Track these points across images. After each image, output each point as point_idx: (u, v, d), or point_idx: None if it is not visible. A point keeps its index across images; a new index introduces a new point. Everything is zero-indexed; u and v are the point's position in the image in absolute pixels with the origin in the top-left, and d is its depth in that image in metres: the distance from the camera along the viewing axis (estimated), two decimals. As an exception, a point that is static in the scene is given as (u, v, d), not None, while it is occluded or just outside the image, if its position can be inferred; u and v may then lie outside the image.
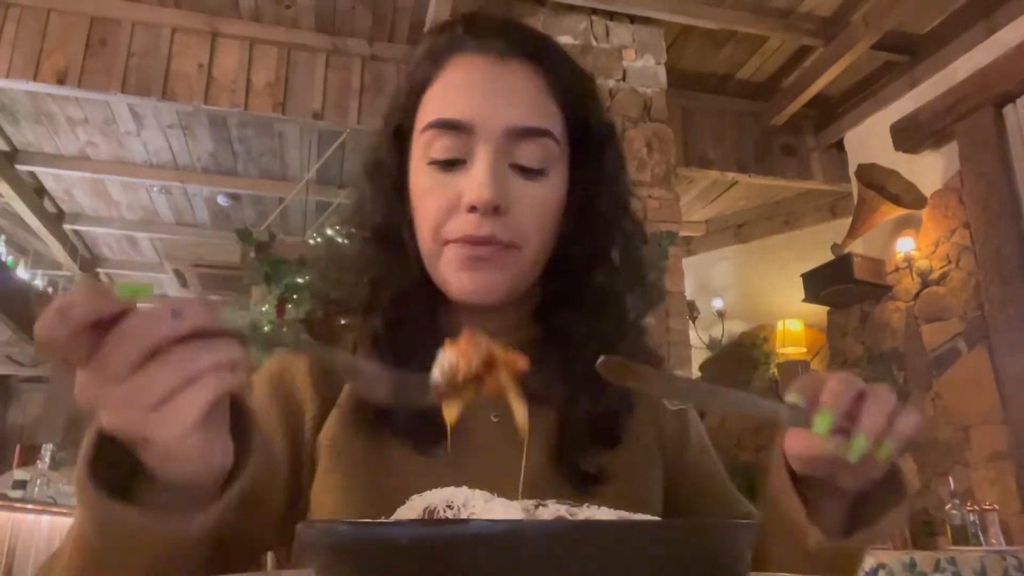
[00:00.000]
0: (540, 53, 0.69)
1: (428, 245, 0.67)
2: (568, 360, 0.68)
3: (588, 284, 0.70)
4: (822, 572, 0.57)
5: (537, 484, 0.62)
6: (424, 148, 0.67)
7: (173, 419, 0.40)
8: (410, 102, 0.70)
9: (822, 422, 0.50)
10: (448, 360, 0.48)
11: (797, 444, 0.57)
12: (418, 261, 0.69)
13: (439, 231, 0.66)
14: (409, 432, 0.63)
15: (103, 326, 0.39)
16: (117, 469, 0.44)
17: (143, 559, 0.45)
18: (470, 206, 0.63)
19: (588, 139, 0.71)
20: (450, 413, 0.50)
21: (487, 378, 0.49)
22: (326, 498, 0.63)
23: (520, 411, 0.50)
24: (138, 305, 0.40)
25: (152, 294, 0.41)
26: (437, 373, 0.48)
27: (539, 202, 0.66)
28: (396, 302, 0.68)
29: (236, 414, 0.47)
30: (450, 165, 0.65)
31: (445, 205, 0.65)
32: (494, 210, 0.63)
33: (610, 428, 0.69)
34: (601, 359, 0.46)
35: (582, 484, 0.65)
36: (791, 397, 0.53)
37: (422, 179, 0.67)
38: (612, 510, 0.38)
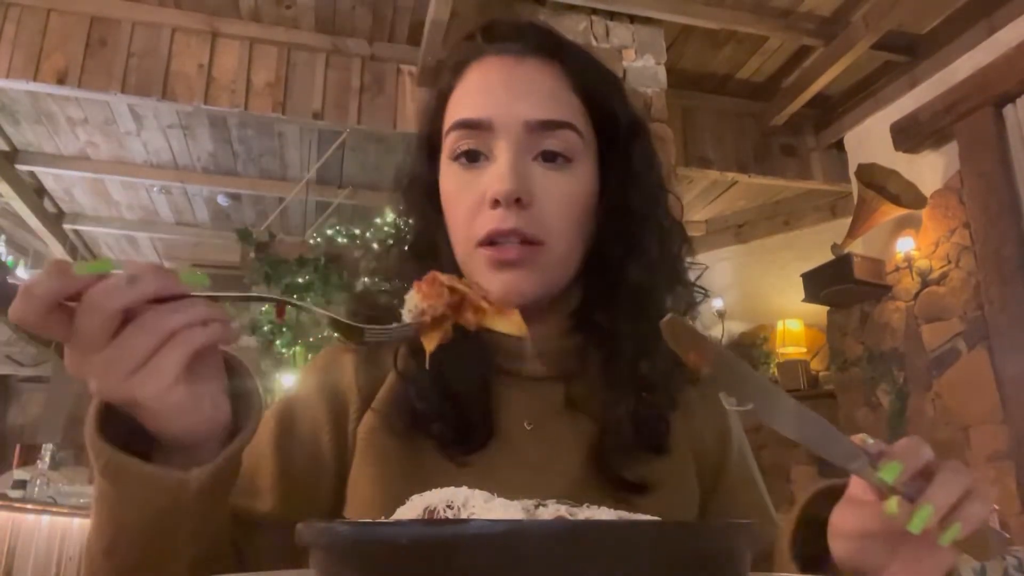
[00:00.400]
0: (558, 51, 0.70)
1: (462, 250, 0.68)
2: (608, 363, 0.68)
3: (623, 283, 0.69)
4: None
5: (576, 493, 0.59)
6: (449, 151, 0.68)
7: (151, 379, 0.43)
8: (436, 114, 0.72)
9: (891, 470, 0.45)
10: (413, 303, 0.52)
11: (850, 518, 0.51)
12: (455, 270, 0.68)
13: (469, 232, 0.66)
14: (443, 440, 0.64)
15: (77, 302, 0.42)
16: (136, 442, 0.48)
17: (150, 511, 0.48)
18: (493, 200, 0.63)
19: (616, 135, 0.71)
20: (429, 343, 0.53)
21: (460, 315, 0.53)
22: (362, 490, 0.65)
23: (506, 324, 0.54)
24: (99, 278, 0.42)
25: (113, 268, 0.43)
26: (407, 316, 0.52)
27: (564, 192, 0.66)
28: None
29: (238, 377, 0.51)
30: (473, 161, 0.66)
31: (472, 204, 0.66)
32: (516, 202, 0.63)
33: (656, 433, 0.67)
34: (666, 318, 0.45)
35: (623, 493, 0.64)
36: (856, 439, 0.48)
37: (449, 182, 0.68)
38: (612, 510, 0.38)
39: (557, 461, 0.66)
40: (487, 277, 0.65)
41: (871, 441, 0.48)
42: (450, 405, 0.65)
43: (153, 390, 0.44)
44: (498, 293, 0.63)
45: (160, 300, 0.44)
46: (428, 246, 0.72)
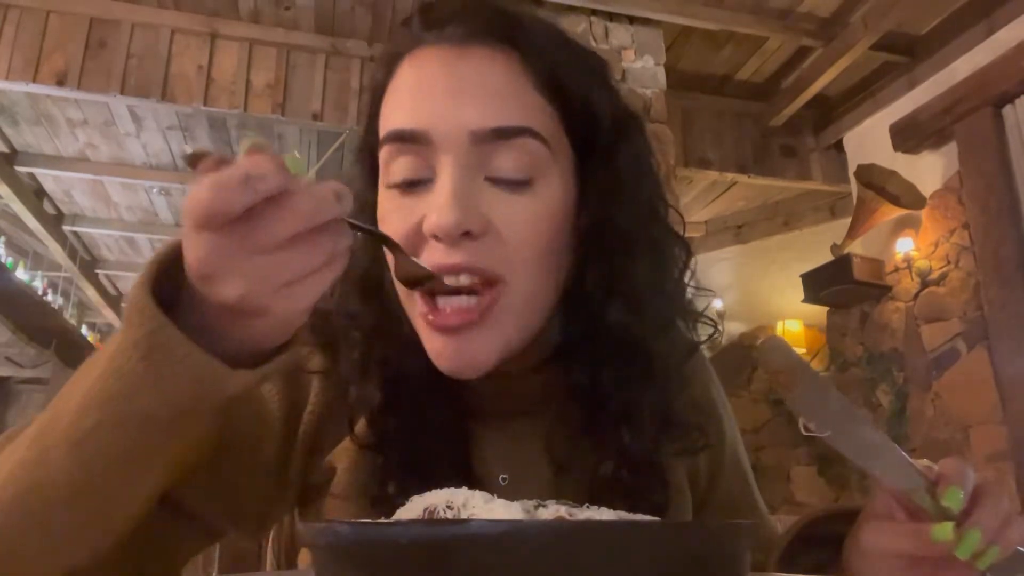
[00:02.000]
0: (514, 34, 0.55)
1: (400, 291, 0.56)
2: (591, 420, 0.58)
3: (603, 323, 0.57)
4: None
5: None
6: (384, 169, 0.56)
7: (304, 294, 0.40)
8: (371, 116, 0.60)
9: (954, 498, 0.45)
10: None
11: (885, 538, 0.49)
12: (404, 314, 0.58)
13: None
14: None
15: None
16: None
17: (168, 396, 0.41)
18: (432, 235, 0.52)
19: (595, 134, 0.58)
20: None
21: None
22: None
23: None
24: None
25: (304, 166, 0.41)
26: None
27: (528, 218, 0.53)
28: (391, 366, 0.59)
29: None
30: (411, 186, 0.54)
31: (410, 234, 0.53)
32: (465, 235, 0.51)
33: (647, 502, 0.58)
34: (767, 338, 0.43)
35: None
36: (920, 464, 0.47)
37: (384, 205, 0.56)
38: (612, 510, 0.38)
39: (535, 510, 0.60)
40: (430, 342, 0.54)
41: (933, 466, 0.48)
42: (422, 477, 0.54)
43: (302, 305, 0.41)
44: (447, 367, 0.54)
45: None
46: (375, 278, 0.61)
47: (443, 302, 0.53)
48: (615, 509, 0.55)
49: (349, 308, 0.61)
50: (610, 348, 0.57)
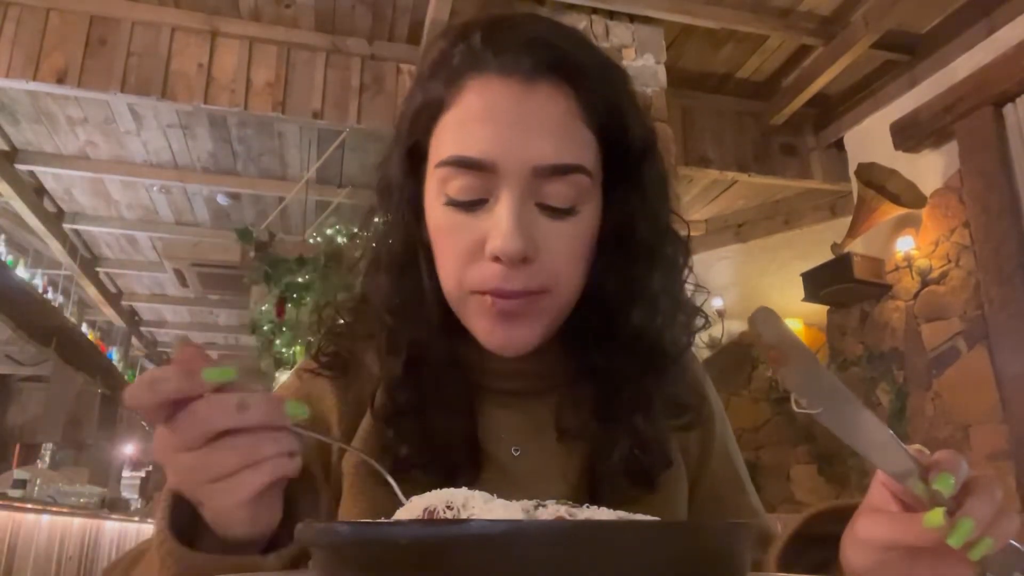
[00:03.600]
0: (572, 71, 0.59)
1: (452, 290, 0.61)
2: (603, 400, 0.64)
3: (623, 321, 0.63)
4: None
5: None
6: (440, 184, 0.59)
7: (228, 494, 0.45)
8: (425, 123, 0.62)
9: (945, 482, 0.45)
10: None
11: (879, 528, 0.49)
12: (436, 296, 0.63)
13: (462, 277, 0.59)
14: (429, 485, 0.60)
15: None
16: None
17: None
18: (494, 256, 0.57)
19: (625, 157, 0.63)
20: None
21: None
22: (352, 518, 0.62)
23: None
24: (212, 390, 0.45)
25: (234, 377, 0.46)
26: None
27: (570, 242, 0.59)
28: (416, 345, 0.64)
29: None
30: (470, 206, 0.58)
31: (467, 249, 0.58)
32: (522, 260, 0.57)
33: (646, 471, 0.64)
34: (759, 309, 0.45)
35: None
36: (912, 449, 0.47)
37: (440, 217, 0.60)
38: (612, 510, 0.38)
39: (550, 479, 0.64)
40: (484, 325, 0.60)
41: (925, 451, 0.48)
42: (434, 448, 0.61)
43: (225, 503, 0.45)
44: (497, 343, 0.60)
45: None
46: (409, 263, 0.65)
47: (506, 300, 0.59)
48: (618, 486, 0.61)
49: (382, 288, 0.66)
50: (627, 342, 0.63)
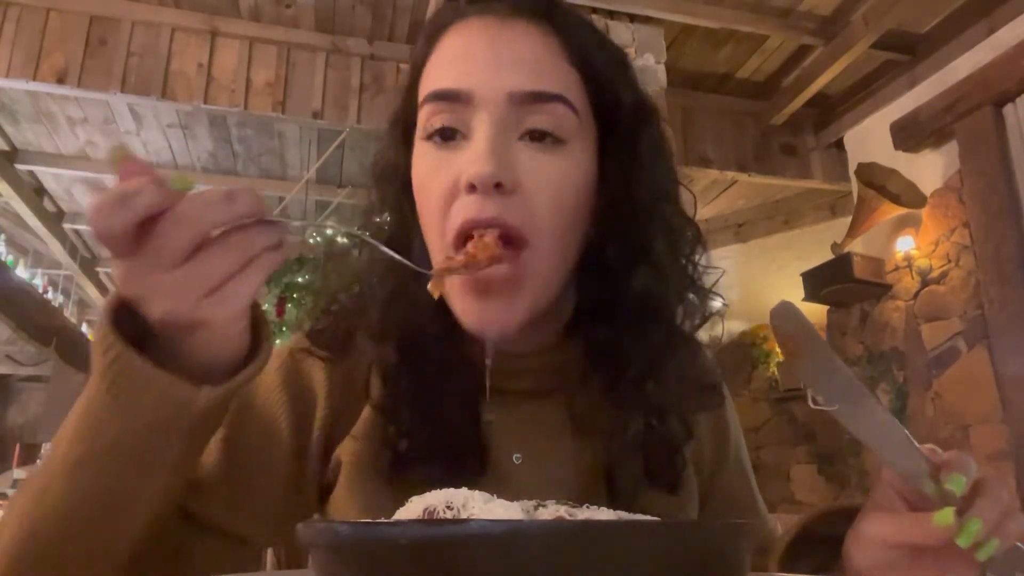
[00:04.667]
0: (551, 11, 0.59)
1: (435, 245, 0.58)
2: (613, 381, 0.60)
3: (627, 290, 0.59)
4: None
5: None
6: (421, 127, 0.59)
7: (231, 300, 0.41)
8: (410, 88, 0.63)
9: (957, 483, 0.45)
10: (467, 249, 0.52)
11: (885, 527, 0.48)
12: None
13: (443, 225, 0.56)
14: (430, 482, 0.55)
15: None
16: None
17: (145, 421, 0.43)
18: (468, 184, 0.54)
19: (618, 118, 0.61)
20: (435, 290, 0.52)
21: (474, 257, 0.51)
22: (349, 516, 0.60)
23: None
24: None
25: (194, 185, 0.41)
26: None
27: (555, 177, 0.56)
28: (409, 329, 0.61)
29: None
30: (449, 139, 0.57)
31: (446, 190, 0.56)
32: (497, 187, 0.54)
33: (670, 471, 0.61)
34: (780, 302, 0.44)
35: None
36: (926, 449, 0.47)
37: (422, 164, 0.59)
38: (611, 510, 0.38)
39: (558, 484, 0.61)
40: (462, 301, 0.56)
41: (937, 449, 0.48)
42: (435, 443, 0.58)
43: (231, 312, 0.42)
44: (476, 324, 0.56)
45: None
46: (403, 241, 0.63)
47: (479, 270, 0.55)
48: (634, 475, 0.58)
49: (373, 271, 0.64)
50: (633, 312, 0.60)
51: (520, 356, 0.61)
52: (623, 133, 0.61)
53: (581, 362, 0.63)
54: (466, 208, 0.54)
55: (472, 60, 0.57)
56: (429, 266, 0.56)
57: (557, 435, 0.62)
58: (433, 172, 0.57)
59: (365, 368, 0.63)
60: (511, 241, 0.55)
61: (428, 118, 0.58)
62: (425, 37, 0.62)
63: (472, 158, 0.54)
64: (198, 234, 0.39)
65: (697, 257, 0.66)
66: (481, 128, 0.55)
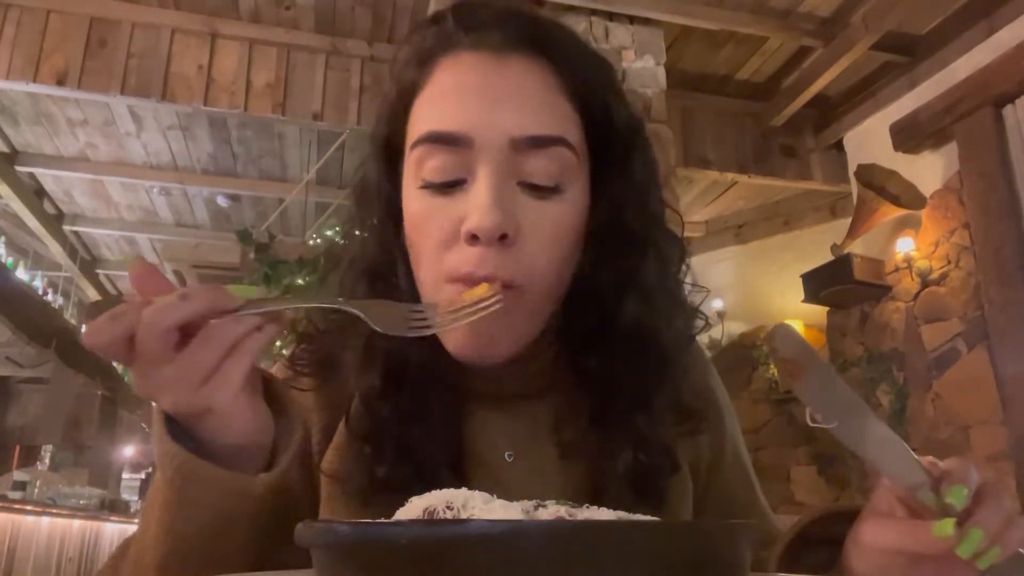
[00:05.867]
0: (547, 44, 0.58)
1: (427, 280, 0.57)
2: (602, 408, 0.60)
3: (617, 316, 0.59)
4: None
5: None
6: (415, 168, 0.57)
7: (222, 386, 0.46)
8: (398, 112, 0.60)
9: (958, 495, 0.45)
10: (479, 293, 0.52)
11: (885, 534, 0.48)
12: (415, 297, 0.59)
13: (438, 267, 0.55)
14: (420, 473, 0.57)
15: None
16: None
17: (213, 515, 0.49)
18: (470, 235, 0.53)
19: (611, 140, 0.60)
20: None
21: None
22: None
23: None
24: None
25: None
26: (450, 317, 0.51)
27: (553, 225, 0.56)
28: (393, 354, 0.59)
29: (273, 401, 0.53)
30: (447, 187, 0.55)
31: (444, 235, 0.55)
32: (500, 239, 0.53)
33: (654, 487, 0.60)
34: (778, 324, 0.45)
35: None
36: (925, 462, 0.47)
37: (415, 205, 0.57)
38: (611, 511, 0.38)
39: (545, 485, 0.60)
40: (454, 332, 0.56)
41: (938, 463, 0.48)
42: (414, 467, 0.57)
43: (226, 396, 0.46)
44: (461, 348, 0.56)
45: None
46: (384, 267, 0.62)
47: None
48: (622, 498, 0.57)
49: (355, 292, 0.62)
50: (623, 339, 0.59)
51: (512, 385, 0.63)
52: (615, 158, 0.61)
53: (570, 391, 0.62)
54: (466, 260, 0.54)
55: (470, 100, 0.55)
56: (416, 296, 0.59)
57: (543, 437, 0.62)
58: (431, 215, 0.56)
59: (349, 387, 0.63)
60: (507, 286, 0.54)
61: (422, 161, 0.56)
62: (415, 60, 0.60)
63: (476, 208, 0.53)
64: (163, 334, 0.44)
65: (682, 275, 0.66)
66: (483, 176, 0.54)
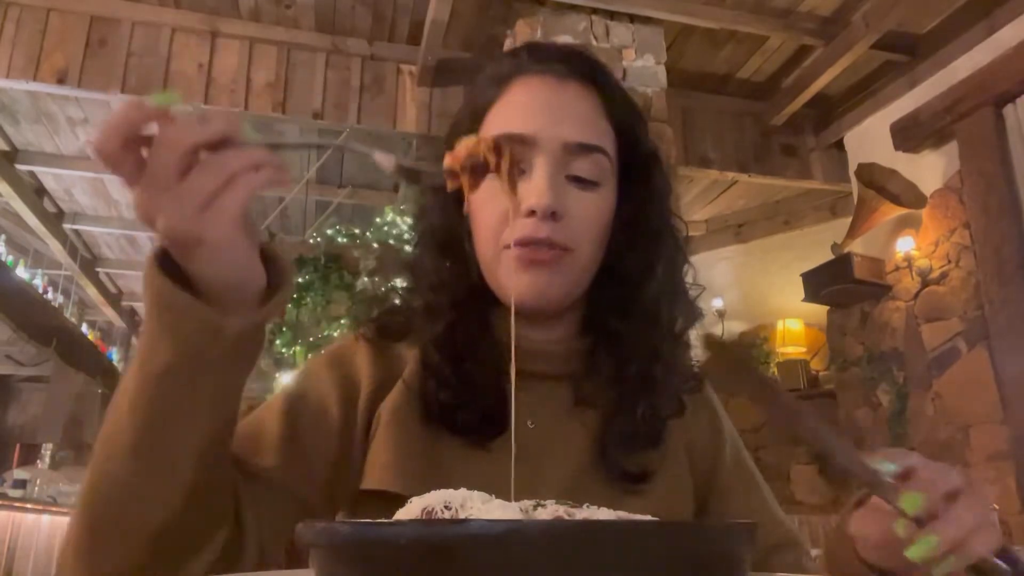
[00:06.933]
0: (598, 78, 0.75)
1: (487, 251, 0.72)
2: (619, 366, 0.73)
3: (637, 294, 0.74)
4: None
5: (577, 482, 0.68)
6: None
7: (218, 217, 0.47)
8: (473, 122, 0.75)
9: (911, 502, 0.46)
10: (461, 144, 0.59)
11: (869, 526, 0.54)
12: (476, 268, 0.74)
13: (498, 237, 0.70)
14: (462, 428, 0.69)
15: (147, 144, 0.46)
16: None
17: (185, 349, 0.50)
18: (530, 211, 0.67)
19: (636, 161, 0.76)
20: (470, 188, 0.60)
21: (494, 164, 0.60)
22: (382, 456, 0.68)
23: (512, 196, 0.60)
24: (173, 117, 0.46)
25: (180, 100, 0.47)
26: (447, 157, 0.59)
27: (592, 211, 0.71)
28: (455, 306, 0.73)
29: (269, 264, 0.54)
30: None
31: (504, 212, 0.69)
32: (551, 215, 0.68)
33: (654, 429, 0.72)
34: (706, 332, 0.51)
35: (624, 483, 0.69)
36: (882, 464, 0.49)
37: (484, 189, 0.69)
38: (611, 510, 0.38)
39: (560, 454, 0.70)
40: (514, 276, 0.69)
41: (891, 467, 0.49)
42: (469, 396, 0.69)
43: (221, 227, 0.47)
44: (522, 291, 0.68)
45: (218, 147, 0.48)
46: (450, 241, 0.76)
47: (535, 249, 0.69)
48: (633, 446, 0.68)
49: (427, 261, 0.77)
50: (641, 314, 0.74)
51: (540, 341, 0.73)
52: (639, 175, 0.77)
53: (588, 356, 0.75)
54: (524, 227, 0.68)
55: (536, 110, 0.71)
56: (477, 265, 0.74)
57: (565, 411, 0.74)
58: (492, 197, 0.69)
59: (406, 356, 0.75)
60: (560, 248, 0.69)
61: None
62: (490, 82, 0.76)
63: (535, 191, 0.68)
64: (179, 154, 0.45)
65: (686, 275, 0.80)
66: (541, 167, 0.69)
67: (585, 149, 0.71)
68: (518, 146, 0.68)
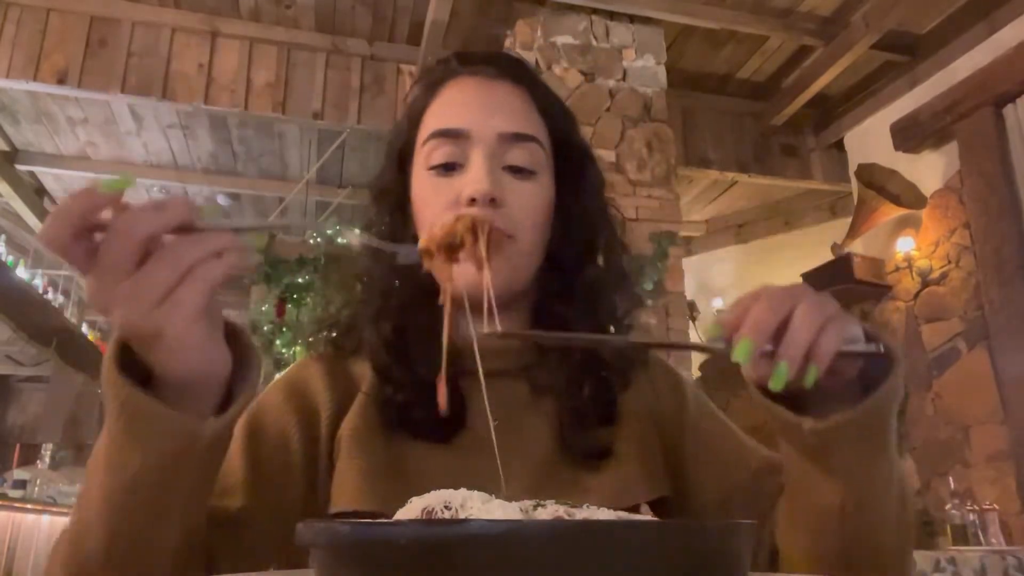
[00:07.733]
0: (525, 77, 0.79)
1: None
2: (566, 351, 0.76)
3: (579, 280, 0.78)
4: (844, 451, 0.54)
5: (546, 465, 0.69)
6: (425, 159, 0.74)
7: (175, 311, 0.44)
8: (410, 126, 0.78)
9: (741, 352, 0.48)
10: (438, 224, 0.63)
11: (750, 372, 0.55)
12: (421, 269, 0.72)
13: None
14: (423, 427, 0.69)
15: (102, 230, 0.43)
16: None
17: (159, 456, 0.47)
18: (470, 199, 0.69)
19: (570, 155, 0.79)
20: (428, 265, 0.62)
21: (468, 245, 0.63)
22: (350, 482, 0.66)
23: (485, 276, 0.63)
24: (127, 204, 0.44)
25: (134, 183, 0.44)
26: (423, 238, 0.62)
27: (531, 199, 0.73)
28: (403, 310, 0.74)
29: (235, 344, 0.51)
30: (449, 169, 0.72)
31: (446, 205, 0.71)
32: (491, 202, 0.69)
33: (607, 407, 0.74)
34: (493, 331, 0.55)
35: (588, 459, 0.70)
36: (711, 330, 0.52)
37: (423, 186, 0.74)
38: (611, 510, 0.38)
39: (524, 446, 0.71)
40: (455, 267, 0.69)
41: (718, 331, 0.51)
42: (425, 395, 0.67)
43: (179, 322, 0.44)
44: (476, 286, 0.67)
45: (181, 231, 0.45)
46: (399, 239, 0.77)
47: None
48: (585, 425, 0.70)
49: (375, 267, 0.77)
50: (585, 297, 0.77)
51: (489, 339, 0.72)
52: (573, 170, 0.79)
53: (538, 346, 0.77)
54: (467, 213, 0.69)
55: (469, 106, 0.74)
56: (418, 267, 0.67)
57: (522, 405, 0.75)
58: (436, 192, 0.72)
59: (362, 370, 0.75)
60: (499, 232, 0.69)
61: (430, 153, 0.73)
62: (423, 88, 0.79)
63: (472, 180, 0.70)
64: (133, 244, 0.43)
65: (624, 264, 0.83)
66: (477, 159, 0.71)
67: (519, 138, 0.73)
68: (454, 141, 0.72)
